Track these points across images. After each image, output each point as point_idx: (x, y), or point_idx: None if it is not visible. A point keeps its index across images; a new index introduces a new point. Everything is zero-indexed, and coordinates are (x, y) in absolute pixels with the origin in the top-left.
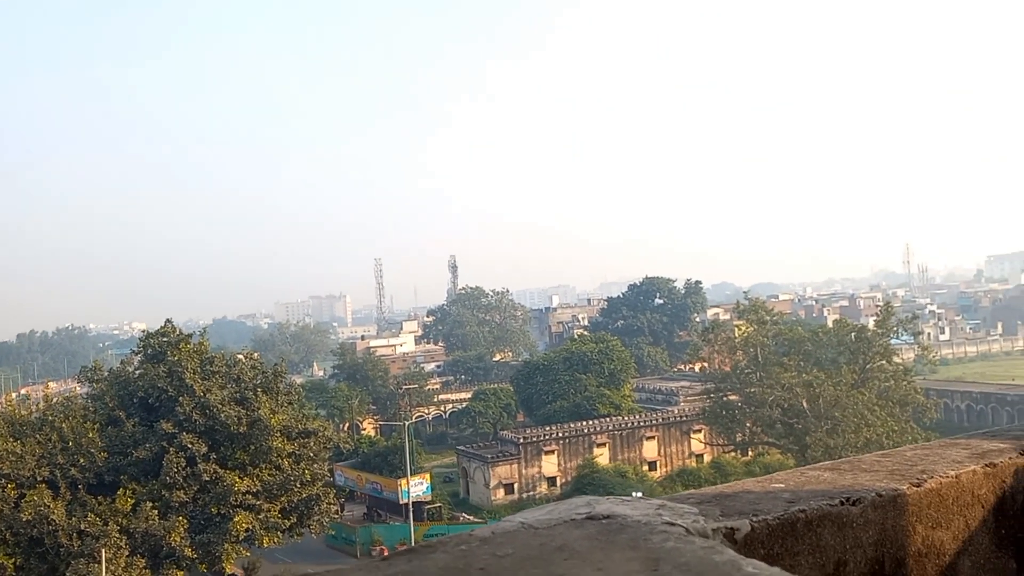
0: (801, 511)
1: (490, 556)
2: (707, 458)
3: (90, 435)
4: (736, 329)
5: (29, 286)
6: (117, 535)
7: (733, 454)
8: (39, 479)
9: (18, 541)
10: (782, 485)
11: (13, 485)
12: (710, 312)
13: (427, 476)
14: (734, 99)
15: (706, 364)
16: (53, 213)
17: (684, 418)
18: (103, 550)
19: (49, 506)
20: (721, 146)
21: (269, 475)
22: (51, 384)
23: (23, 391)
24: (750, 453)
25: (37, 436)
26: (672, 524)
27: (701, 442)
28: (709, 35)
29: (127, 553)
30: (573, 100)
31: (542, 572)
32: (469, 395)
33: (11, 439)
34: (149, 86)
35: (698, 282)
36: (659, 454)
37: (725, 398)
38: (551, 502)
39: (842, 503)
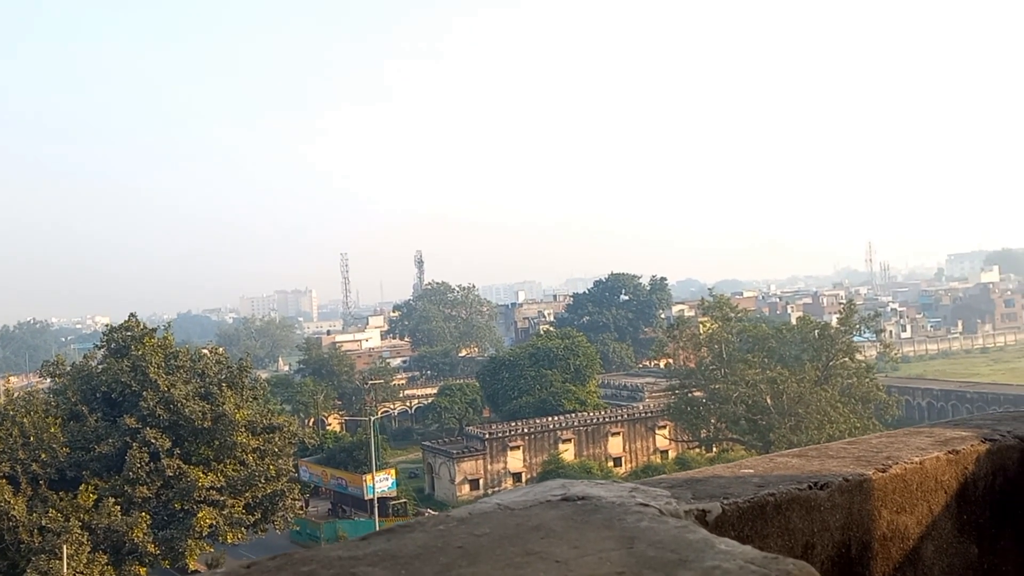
0: (770, 495)
1: (467, 535)
2: (672, 454)
3: (52, 430)
4: (701, 326)
5: None
6: (79, 531)
7: (698, 450)
8: None
9: None
10: (751, 470)
11: None
12: (675, 308)
13: (392, 472)
14: (698, 96)
15: (671, 360)
16: (11, 206)
17: (649, 414)
18: (64, 546)
19: (9, 502)
20: (686, 144)
21: (233, 470)
22: (12, 378)
23: None
24: (715, 449)
25: None
26: (645, 505)
27: (666, 438)
28: (676, 24)
29: (89, 549)
30: (535, 94)
31: (519, 550)
32: (435, 390)
33: None
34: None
35: (663, 278)
36: (624, 450)
37: (690, 394)
38: (526, 485)
39: (810, 487)
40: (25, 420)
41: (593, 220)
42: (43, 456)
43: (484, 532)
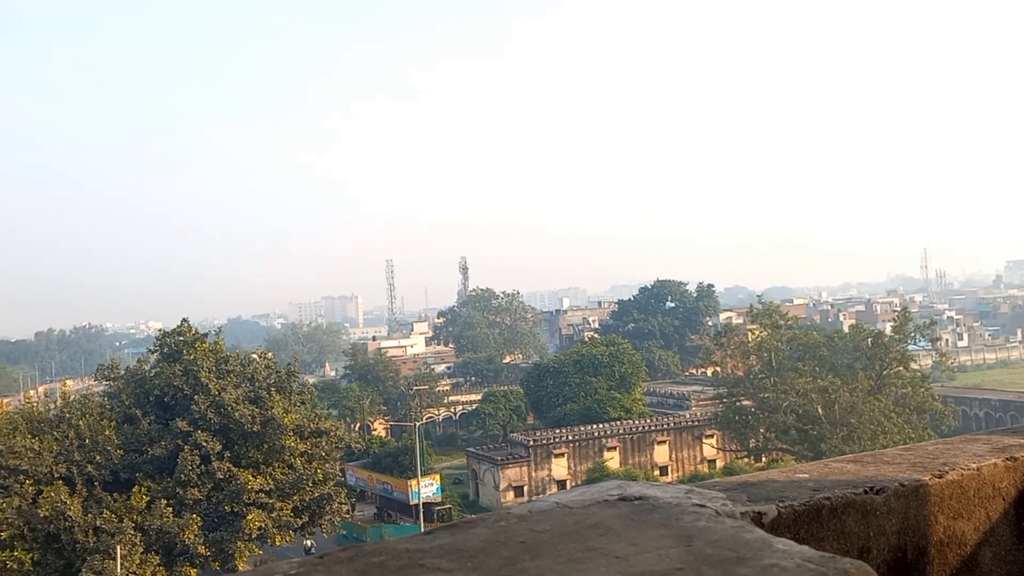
0: (826, 498)
1: (528, 531)
2: (719, 463)
3: (106, 432)
4: (749, 333)
5: (47, 285)
6: (132, 532)
7: (746, 460)
8: (56, 476)
9: (35, 537)
10: (806, 475)
11: (31, 481)
12: (723, 316)
13: (437, 477)
14: (748, 99)
15: (718, 368)
16: (71, 215)
17: (696, 423)
18: (118, 547)
19: (66, 502)
20: (736, 148)
21: (282, 474)
22: (68, 382)
23: (41, 389)
24: (764, 459)
25: (55, 433)
26: (702, 506)
27: (713, 447)
28: (722, 25)
29: (142, 550)
30: (582, 97)
31: (580, 546)
32: (479, 397)
33: (29, 436)
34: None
35: (710, 285)
36: (670, 459)
37: (738, 403)
38: (581, 485)
39: (866, 492)
40: (81, 423)
41: (639, 226)
42: (98, 458)
43: (544, 529)
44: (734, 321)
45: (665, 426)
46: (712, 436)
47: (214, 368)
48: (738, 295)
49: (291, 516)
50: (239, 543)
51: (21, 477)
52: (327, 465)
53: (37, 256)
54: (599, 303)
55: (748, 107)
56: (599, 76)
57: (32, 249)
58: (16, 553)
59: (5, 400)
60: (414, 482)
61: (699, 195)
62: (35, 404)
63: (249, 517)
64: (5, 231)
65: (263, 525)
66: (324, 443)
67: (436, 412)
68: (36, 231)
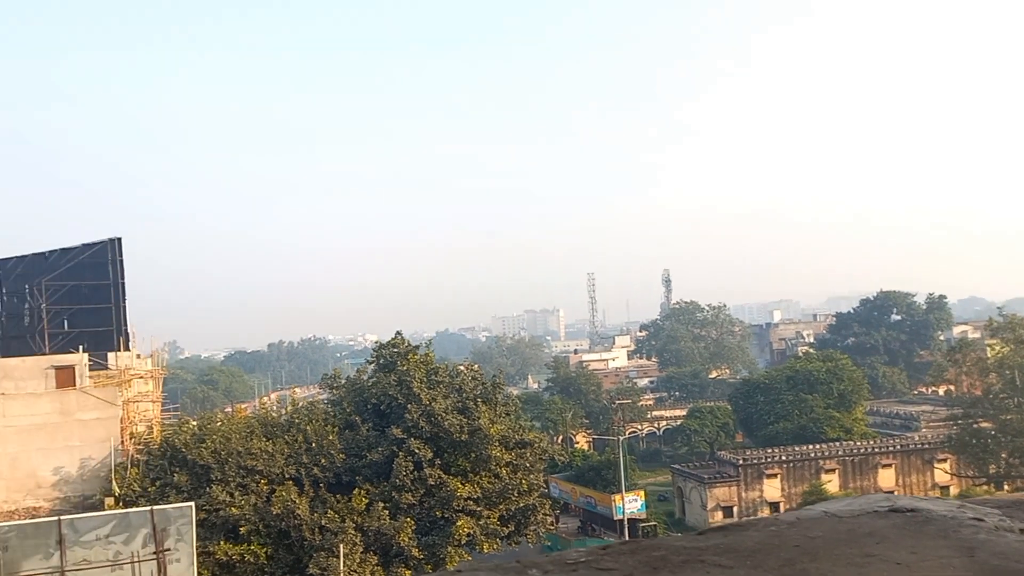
0: None
1: (801, 536)
2: (953, 491)
3: (330, 437)
4: (989, 348)
5: (279, 302)
6: (353, 532)
7: (985, 487)
8: (287, 476)
9: (269, 532)
10: None
11: (265, 481)
12: (956, 330)
13: (641, 493)
14: (987, 87)
15: (952, 387)
16: (305, 244)
17: (926, 445)
18: (341, 545)
19: (295, 501)
20: (969, 137)
21: (488, 483)
22: (297, 389)
23: (273, 395)
24: (1006, 487)
25: (285, 437)
26: (979, 520)
27: (947, 473)
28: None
29: (361, 550)
30: (798, 94)
31: (856, 552)
32: (683, 412)
33: (264, 439)
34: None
35: (942, 296)
36: (897, 484)
37: (975, 425)
38: (843, 498)
39: None
40: (308, 428)
41: (857, 232)
42: (323, 461)
43: (817, 535)
44: (970, 335)
45: (891, 448)
46: (945, 460)
47: (425, 379)
48: (974, 307)
49: (497, 524)
50: (449, 548)
51: (257, 477)
52: (531, 476)
53: (269, 277)
54: (814, 316)
55: (987, 94)
56: (819, 72)
57: (264, 271)
58: (253, 547)
59: (243, 405)
60: (618, 497)
61: (927, 194)
62: (269, 409)
63: (458, 523)
64: (246, 261)
65: (471, 532)
66: (528, 454)
67: (639, 427)
68: (269, 256)
